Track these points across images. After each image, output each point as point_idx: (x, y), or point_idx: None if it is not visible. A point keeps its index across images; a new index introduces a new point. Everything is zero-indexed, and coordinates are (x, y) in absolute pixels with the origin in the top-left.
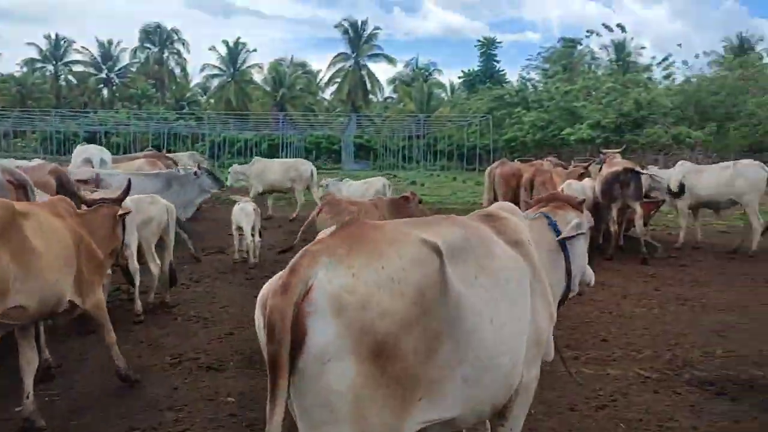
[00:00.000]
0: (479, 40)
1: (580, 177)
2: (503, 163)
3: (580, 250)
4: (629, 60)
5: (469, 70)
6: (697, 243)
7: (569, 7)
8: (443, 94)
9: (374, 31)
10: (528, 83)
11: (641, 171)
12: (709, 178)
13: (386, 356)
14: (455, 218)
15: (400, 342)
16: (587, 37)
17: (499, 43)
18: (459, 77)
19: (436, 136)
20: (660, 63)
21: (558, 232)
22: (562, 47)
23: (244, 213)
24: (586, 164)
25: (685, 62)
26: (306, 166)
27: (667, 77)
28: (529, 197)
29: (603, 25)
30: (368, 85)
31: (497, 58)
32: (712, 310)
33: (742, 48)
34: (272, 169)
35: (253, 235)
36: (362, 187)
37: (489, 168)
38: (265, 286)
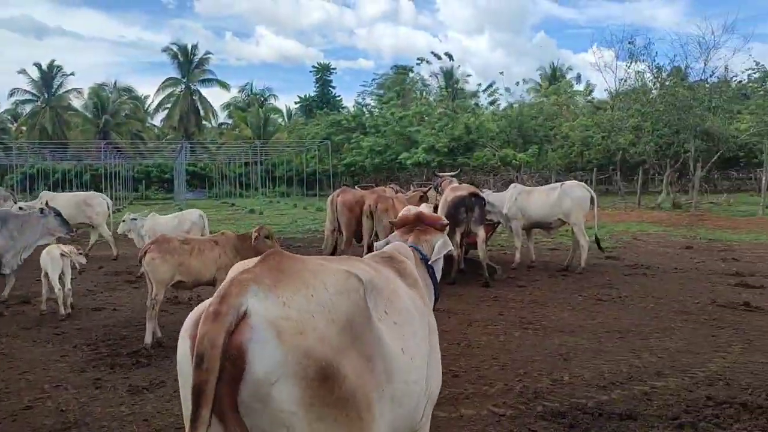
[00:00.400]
0: (314, 66)
1: (419, 202)
2: (344, 191)
3: (438, 266)
4: (457, 87)
5: (305, 96)
6: (532, 262)
7: (399, 36)
8: (280, 120)
9: (205, 56)
10: (364, 108)
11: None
12: (538, 199)
13: (332, 379)
14: (360, 258)
15: (341, 365)
16: (418, 64)
17: (334, 69)
18: (296, 102)
19: (274, 162)
20: (485, 90)
21: (426, 259)
22: (394, 74)
23: (50, 258)
24: (426, 189)
25: (507, 89)
26: (98, 200)
27: (492, 103)
28: (372, 225)
29: (432, 53)
30: (201, 111)
31: (333, 84)
32: (553, 333)
33: (554, 76)
34: (59, 204)
35: (62, 283)
36: (171, 222)
37: (331, 196)
38: (192, 314)
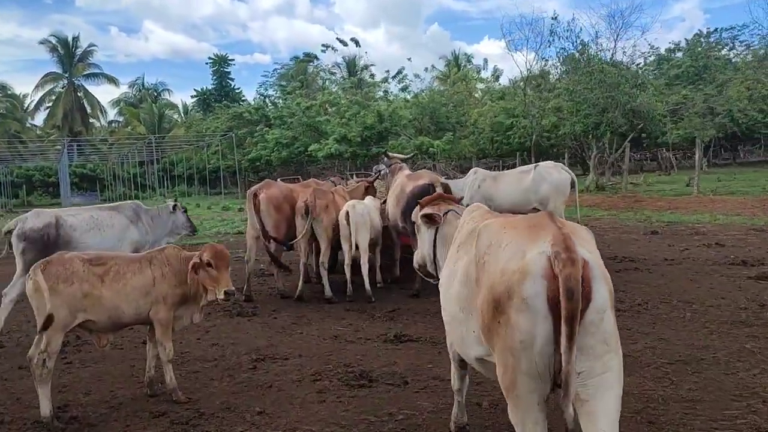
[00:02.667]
0: (211, 58)
1: (365, 194)
2: (268, 184)
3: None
4: (360, 76)
5: (202, 89)
6: None
7: (295, 30)
8: (176, 116)
9: (89, 49)
10: (267, 100)
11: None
12: (508, 185)
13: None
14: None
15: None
16: (323, 51)
17: (232, 60)
18: (192, 96)
19: (172, 160)
20: (395, 76)
21: None
22: (297, 63)
23: None
24: (371, 179)
25: (417, 75)
26: None
27: (404, 89)
28: (307, 226)
29: (337, 39)
30: (88, 108)
31: (231, 76)
32: None
33: (457, 64)
34: None
35: None
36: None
37: (250, 192)
38: (532, 259)
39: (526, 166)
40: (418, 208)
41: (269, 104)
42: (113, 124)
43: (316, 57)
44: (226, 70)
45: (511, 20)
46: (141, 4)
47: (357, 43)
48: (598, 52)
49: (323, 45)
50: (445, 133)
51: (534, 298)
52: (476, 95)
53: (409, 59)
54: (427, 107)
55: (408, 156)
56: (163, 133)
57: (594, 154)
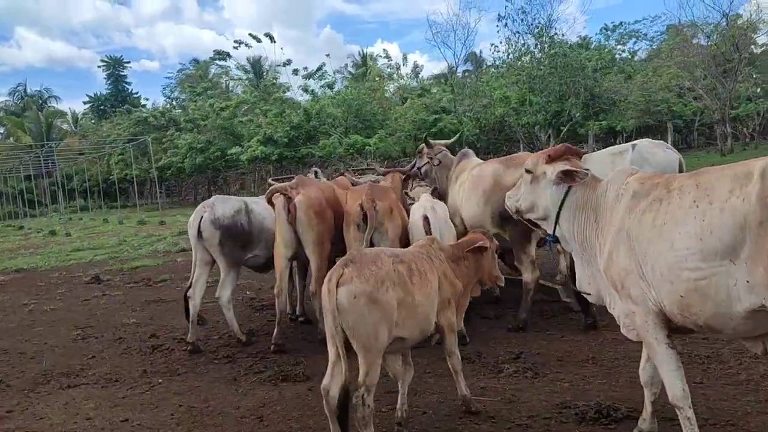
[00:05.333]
0: (103, 60)
1: (404, 183)
2: (303, 183)
3: None
4: (267, 78)
5: (96, 94)
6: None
7: (184, 35)
8: (65, 125)
9: None
10: (174, 102)
11: None
12: (600, 170)
13: None
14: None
15: None
16: (236, 48)
17: (128, 63)
18: (85, 103)
19: (67, 172)
20: (316, 72)
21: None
22: (200, 65)
23: None
24: (406, 170)
25: (338, 71)
26: None
27: (330, 86)
28: (365, 236)
29: (250, 34)
30: None
31: (128, 80)
32: None
33: (365, 64)
34: None
35: None
36: None
37: (274, 195)
38: None
39: (620, 145)
40: (541, 159)
41: (177, 107)
42: None
43: (228, 54)
44: (121, 73)
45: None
46: (10, 11)
47: (272, 38)
48: (557, 34)
49: (236, 41)
50: (376, 131)
51: None
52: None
53: (328, 55)
54: (353, 105)
55: (451, 142)
56: (53, 143)
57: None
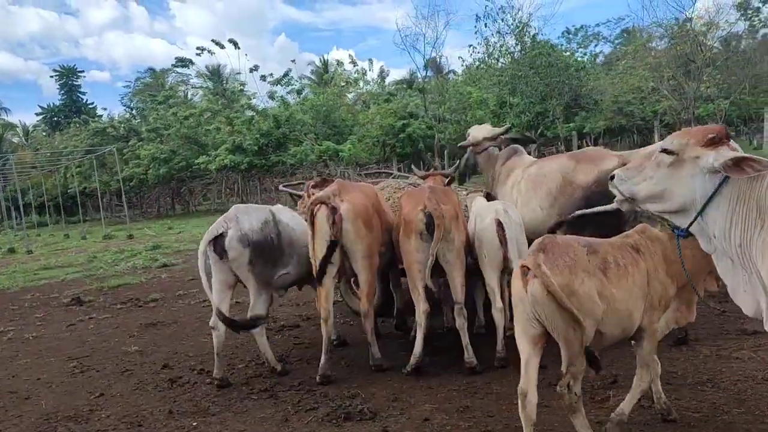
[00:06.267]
0: (56, 70)
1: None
2: (345, 187)
3: None
4: (227, 86)
5: (49, 105)
6: None
7: (135, 45)
8: (15, 139)
9: None
10: (133, 111)
11: None
12: None
13: None
14: None
15: None
16: (198, 54)
17: (81, 72)
18: (37, 114)
19: (20, 187)
20: (282, 78)
21: None
22: (154, 74)
23: None
24: (449, 173)
25: (303, 76)
26: None
27: (299, 92)
28: (431, 248)
29: (213, 41)
30: None
31: (82, 90)
32: None
33: (326, 70)
34: None
35: None
36: None
37: (315, 201)
38: None
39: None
40: (693, 140)
41: (136, 117)
42: None
43: (191, 61)
44: (75, 83)
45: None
46: None
47: (236, 44)
48: (537, 34)
49: (198, 47)
50: (345, 138)
51: None
52: (349, 101)
53: (293, 61)
54: (321, 112)
55: (504, 130)
56: (2, 157)
57: (533, 149)
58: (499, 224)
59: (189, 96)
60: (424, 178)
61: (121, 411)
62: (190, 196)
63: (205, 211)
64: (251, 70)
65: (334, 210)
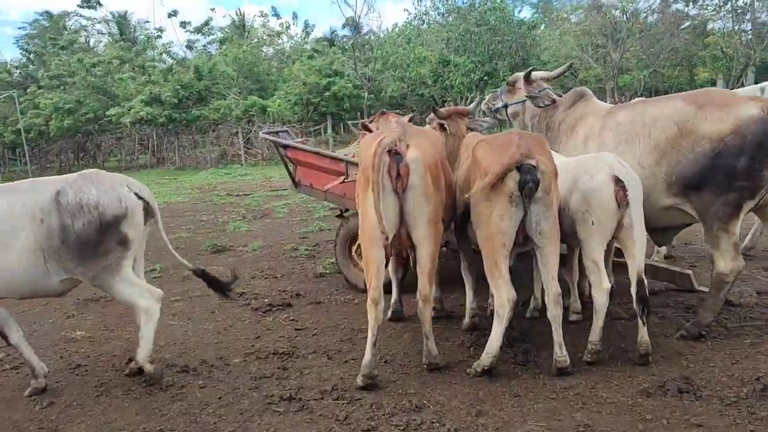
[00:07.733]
0: None
1: None
2: (409, 130)
3: None
4: (135, 34)
5: None
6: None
7: None
8: None
9: None
10: (30, 55)
11: None
12: None
13: None
14: None
15: None
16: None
17: None
18: None
19: None
20: (202, 27)
21: None
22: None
23: None
24: (473, 108)
25: (223, 28)
26: None
27: (222, 42)
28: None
29: None
30: None
31: None
32: None
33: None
34: None
35: None
36: None
37: (380, 147)
38: None
39: (753, 86)
40: None
41: (34, 62)
42: None
43: (99, 2)
44: None
45: None
46: None
47: None
48: None
49: None
50: (271, 93)
51: None
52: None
53: (213, 9)
54: (247, 65)
55: (560, 73)
56: None
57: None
58: (618, 182)
59: (92, 44)
60: (446, 117)
61: None
62: (97, 151)
63: (113, 168)
64: (169, 15)
65: (397, 154)
